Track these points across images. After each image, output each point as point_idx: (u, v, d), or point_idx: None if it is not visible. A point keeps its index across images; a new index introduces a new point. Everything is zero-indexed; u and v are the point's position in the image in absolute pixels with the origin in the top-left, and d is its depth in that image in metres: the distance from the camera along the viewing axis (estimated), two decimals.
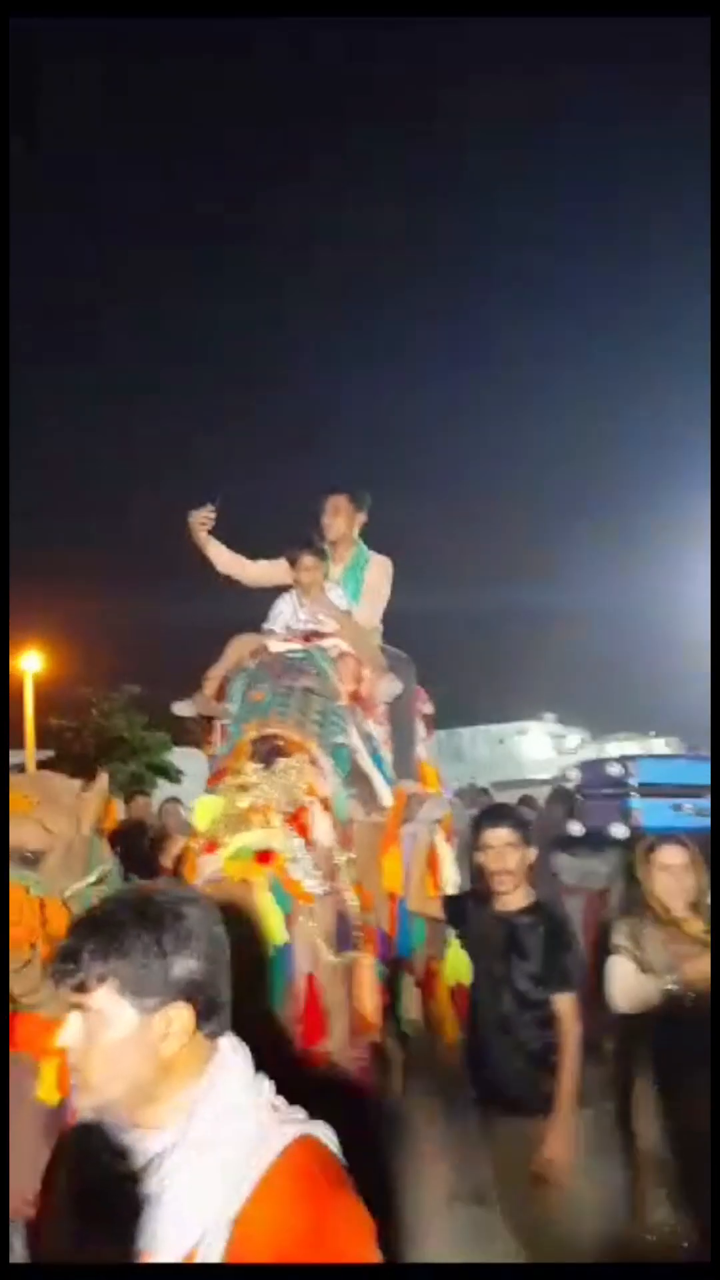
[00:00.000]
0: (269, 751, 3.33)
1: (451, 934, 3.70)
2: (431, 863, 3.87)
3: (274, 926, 2.74)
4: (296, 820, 3.10)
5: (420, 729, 4.45)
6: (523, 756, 23.26)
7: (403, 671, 4.07)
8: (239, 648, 4.01)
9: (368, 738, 3.77)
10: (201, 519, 4.25)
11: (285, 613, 4.21)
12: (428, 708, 4.57)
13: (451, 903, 3.66)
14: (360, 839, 3.49)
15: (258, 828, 2.98)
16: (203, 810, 3.22)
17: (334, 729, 3.54)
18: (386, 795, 3.73)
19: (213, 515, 4.27)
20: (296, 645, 3.90)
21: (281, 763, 3.26)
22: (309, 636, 3.96)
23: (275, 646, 3.93)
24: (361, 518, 4.45)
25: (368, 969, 3.07)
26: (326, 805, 3.23)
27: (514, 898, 3.28)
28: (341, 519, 4.37)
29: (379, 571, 4.41)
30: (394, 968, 3.66)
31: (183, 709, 3.83)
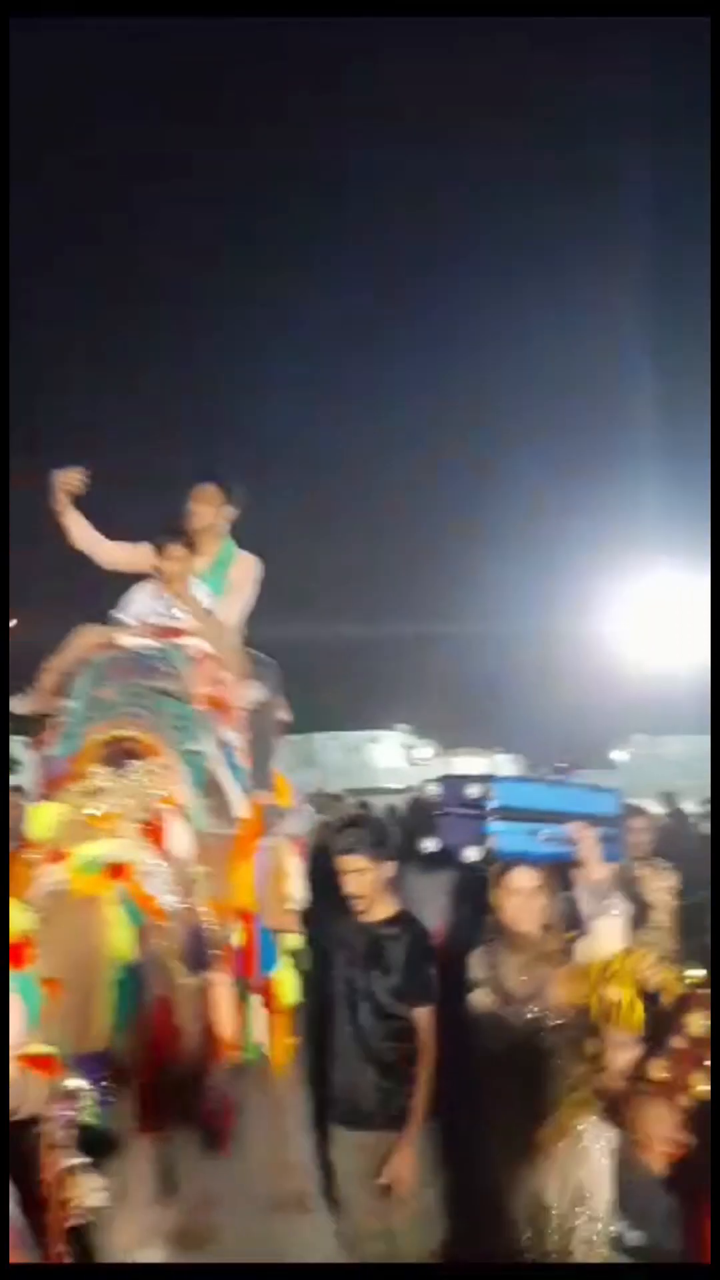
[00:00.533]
0: (119, 754, 3.12)
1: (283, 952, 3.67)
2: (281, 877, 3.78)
3: (124, 944, 2.58)
4: (150, 830, 2.91)
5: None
6: (375, 764, 23.41)
7: (267, 677, 3.96)
8: (83, 639, 3.77)
9: (224, 745, 3.64)
10: (67, 481, 3.95)
11: (140, 603, 4.00)
12: (285, 714, 4.43)
13: (307, 915, 3.59)
14: (213, 852, 3.33)
15: (107, 837, 2.80)
16: (39, 817, 2.97)
17: (189, 734, 3.37)
18: (241, 806, 3.58)
19: (81, 479, 3.97)
20: (150, 641, 3.70)
21: (135, 766, 3.06)
22: (165, 632, 3.77)
23: (126, 640, 3.71)
24: (231, 511, 4.24)
25: (224, 989, 2.95)
26: (183, 815, 3.08)
27: (375, 910, 3.25)
28: (209, 509, 4.15)
29: (245, 569, 4.23)
30: (244, 988, 3.58)
31: (19, 705, 3.59)
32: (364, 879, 3.18)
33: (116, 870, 2.70)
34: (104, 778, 3.02)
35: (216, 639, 3.82)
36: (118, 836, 2.80)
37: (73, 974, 2.44)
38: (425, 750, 26.62)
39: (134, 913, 2.65)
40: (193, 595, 3.94)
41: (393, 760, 24.09)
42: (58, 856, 2.77)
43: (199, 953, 2.91)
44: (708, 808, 10.86)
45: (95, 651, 3.68)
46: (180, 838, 2.98)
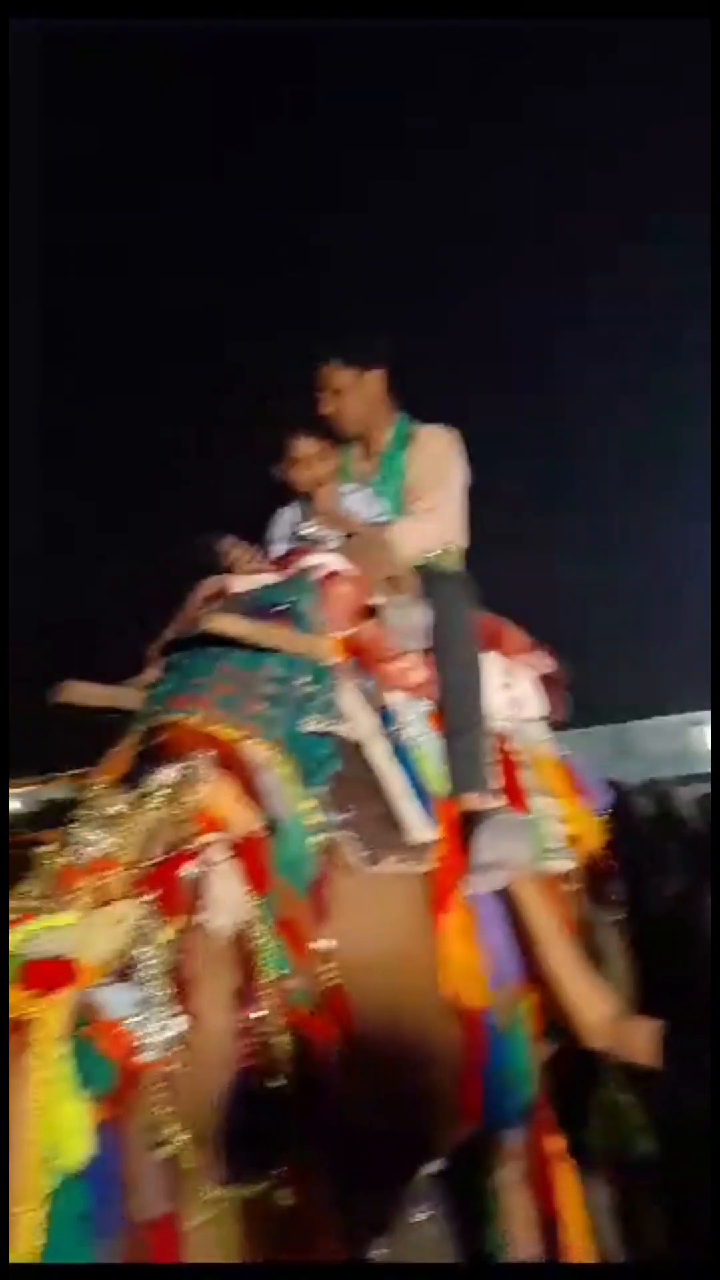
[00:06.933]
0: (149, 758, 1.78)
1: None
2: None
3: (67, 1131, 1.26)
4: (163, 883, 1.51)
5: (534, 699, 2.71)
6: (702, 749, 20.81)
7: (448, 594, 2.47)
8: (200, 594, 2.55)
9: (386, 716, 2.16)
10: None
11: (282, 534, 2.74)
12: (546, 665, 2.80)
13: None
14: (369, 907, 1.87)
15: (67, 907, 1.45)
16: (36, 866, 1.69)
17: (300, 704, 1.97)
18: (420, 823, 2.03)
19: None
20: (267, 576, 2.38)
21: (159, 775, 1.69)
22: (287, 559, 2.42)
23: (239, 585, 2.38)
24: (378, 380, 2.76)
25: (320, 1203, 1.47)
26: (251, 847, 1.62)
27: None
28: (352, 396, 2.72)
29: (435, 448, 2.77)
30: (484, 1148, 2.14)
31: (63, 693, 2.29)
32: None
33: (53, 974, 1.35)
34: (112, 798, 1.68)
35: (366, 554, 2.43)
36: (88, 902, 1.47)
37: None
38: None
39: (92, 1063, 1.31)
40: (338, 504, 2.63)
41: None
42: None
43: (251, 1136, 1.43)
44: None
45: (202, 609, 2.41)
46: (228, 891, 1.54)
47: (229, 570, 2.52)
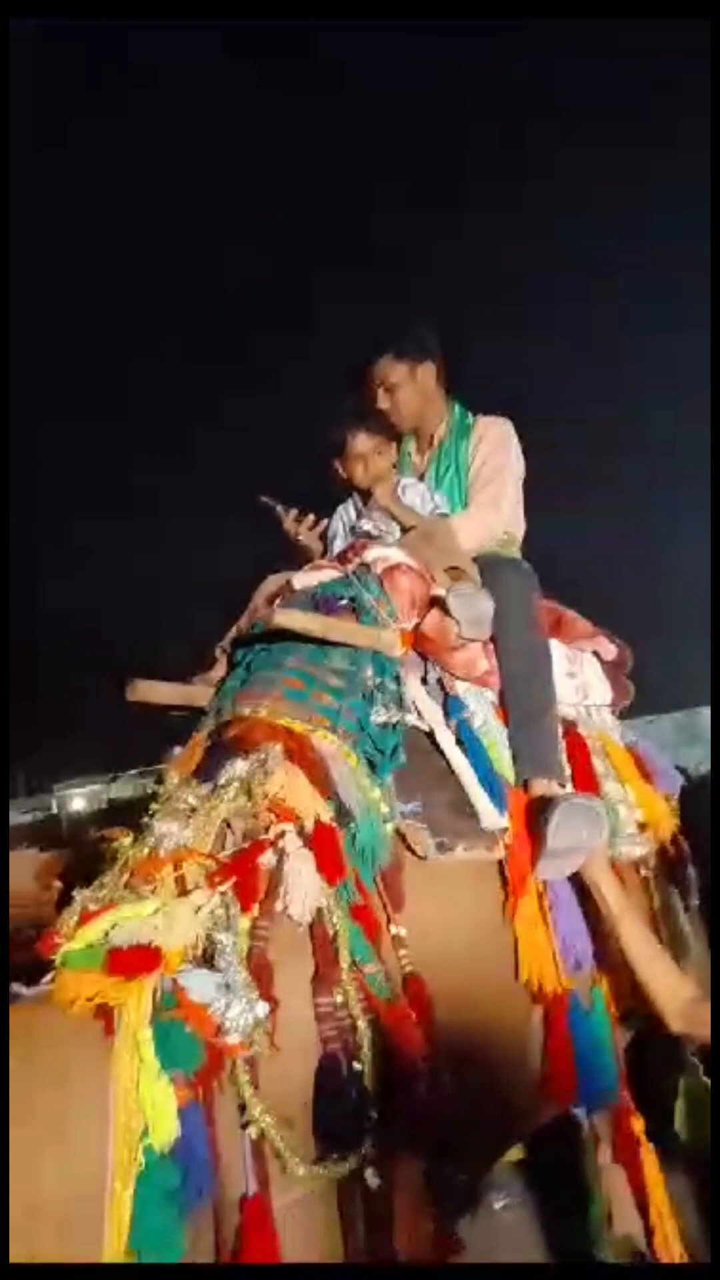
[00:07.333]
0: (220, 752, 1.81)
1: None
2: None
3: (155, 1112, 1.30)
4: (240, 871, 1.53)
5: (599, 685, 2.70)
6: None
7: (509, 583, 2.47)
8: (261, 593, 2.60)
9: (453, 705, 2.16)
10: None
11: (341, 529, 2.76)
12: (609, 651, 2.76)
13: None
14: (442, 895, 1.88)
15: (148, 896, 1.48)
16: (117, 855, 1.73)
17: (368, 696, 1.98)
18: (491, 811, 2.02)
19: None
20: (329, 572, 2.41)
21: (231, 769, 1.72)
22: (347, 553, 2.44)
23: (301, 580, 2.43)
24: (430, 372, 2.78)
25: (409, 1181, 1.49)
26: (324, 836, 1.65)
27: None
28: (406, 390, 2.77)
29: (493, 438, 2.77)
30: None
31: (136, 692, 2.33)
32: None
33: (138, 960, 1.38)
34: (187, 792, 1.72)
35: (426, 545, 2.44)
36: (166, 891, 1.50)
37: (56, 1185, 1.21)
38: None
39: (179, 1044, 1.34)
40: (397, 497, 2.64)
41: None
42: (89, 918, 1.50)
43: (335, 1119, 1.45)
44: None
45: (264, 607, 2.44)
46: (304, 880, 1.57)
47: (285, 535, 2.62)
